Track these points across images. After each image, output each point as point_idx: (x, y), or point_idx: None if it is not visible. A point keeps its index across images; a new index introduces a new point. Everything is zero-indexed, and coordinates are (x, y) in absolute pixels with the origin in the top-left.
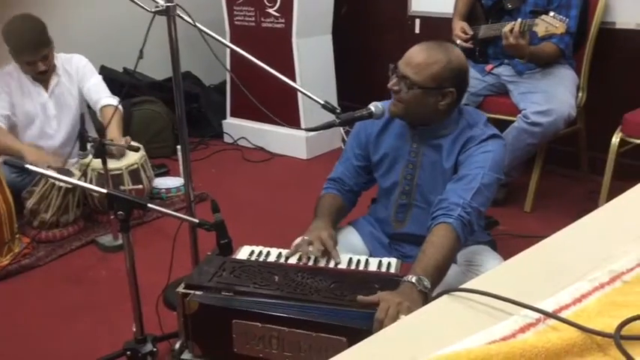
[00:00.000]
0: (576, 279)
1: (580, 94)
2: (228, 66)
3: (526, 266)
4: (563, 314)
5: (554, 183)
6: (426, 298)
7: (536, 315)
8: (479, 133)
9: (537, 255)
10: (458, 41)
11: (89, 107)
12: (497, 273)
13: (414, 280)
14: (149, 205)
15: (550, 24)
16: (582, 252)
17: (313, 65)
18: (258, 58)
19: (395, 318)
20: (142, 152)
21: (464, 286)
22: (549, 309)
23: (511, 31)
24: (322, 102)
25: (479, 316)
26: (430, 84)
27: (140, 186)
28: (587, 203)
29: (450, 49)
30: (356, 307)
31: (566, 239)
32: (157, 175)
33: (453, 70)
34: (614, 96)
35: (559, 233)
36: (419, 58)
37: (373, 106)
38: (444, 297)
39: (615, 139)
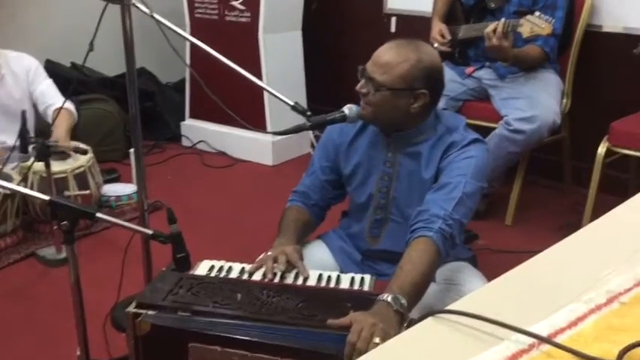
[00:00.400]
0: (570, 300)
1: (564, 101)
2: (187, 62)
3: (515, 286)
4: (558, 339)
5: (536, 194)
6: (402, 318)
7: (530, 340)
8: (460, 138)
9: (526, 274)
10: (435, 44)
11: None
12: (484, 293)
13: (389, 299)
14: (97, 214)
15: (535, 24)
16: (574, 271)
17: (281, 63)
18: (221, 55)
19: (369, 340)
20: (89, 155)
21: (450, 307)
22: (543, 333)
23: (494, 31)
24: (292, 103)
25: (467, 340)
26: (399, 85)
27: (87, 191)
28: (571, 216)
29: (420, 47)
30: (326, 329)
31: (555, 257)
32: (107, 181)
33: (424, 69)
34: (601, 103)
35: (548, 251)
36: (386, 57)
37: (347, 109)
38: (429, 319)
39: (601, 149)
